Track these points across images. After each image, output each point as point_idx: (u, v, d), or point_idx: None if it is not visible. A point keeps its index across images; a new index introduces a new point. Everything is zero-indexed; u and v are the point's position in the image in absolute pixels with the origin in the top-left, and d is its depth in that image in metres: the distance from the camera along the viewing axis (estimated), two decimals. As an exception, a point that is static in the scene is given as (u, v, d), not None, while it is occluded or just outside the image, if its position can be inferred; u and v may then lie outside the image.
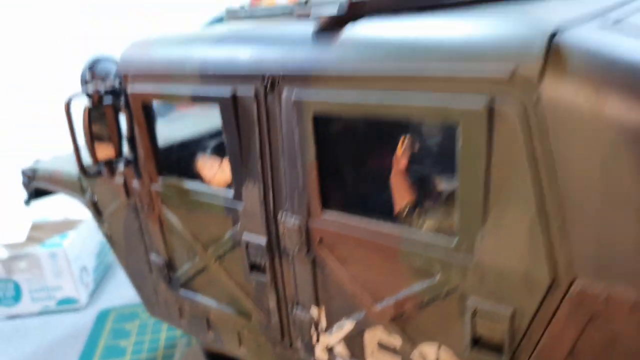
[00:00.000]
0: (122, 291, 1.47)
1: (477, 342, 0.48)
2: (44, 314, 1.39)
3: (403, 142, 0.58)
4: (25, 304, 1.38)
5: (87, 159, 0.70)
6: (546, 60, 0.38)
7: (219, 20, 1.57)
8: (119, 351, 1.18)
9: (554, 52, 0.38)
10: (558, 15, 0.43)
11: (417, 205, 0.54)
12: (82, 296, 1.40)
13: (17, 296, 1.37)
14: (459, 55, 0.42)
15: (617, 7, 0.50)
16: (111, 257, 1.65)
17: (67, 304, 1.39)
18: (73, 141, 0.68)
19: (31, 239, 1.38)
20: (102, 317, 1.34)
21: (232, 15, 0.70)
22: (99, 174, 0.71)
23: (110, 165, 0.70)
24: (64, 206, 1.57)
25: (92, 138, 0.67)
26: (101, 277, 1.55)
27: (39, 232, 1.43)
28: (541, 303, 0.43)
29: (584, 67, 0.37)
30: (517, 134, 0.40)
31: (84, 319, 1.34)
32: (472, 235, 0.45)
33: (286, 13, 0.65)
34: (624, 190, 0.37)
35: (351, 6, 0.50)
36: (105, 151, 0.69)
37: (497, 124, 0.40)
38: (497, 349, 0.47)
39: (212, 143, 0.83)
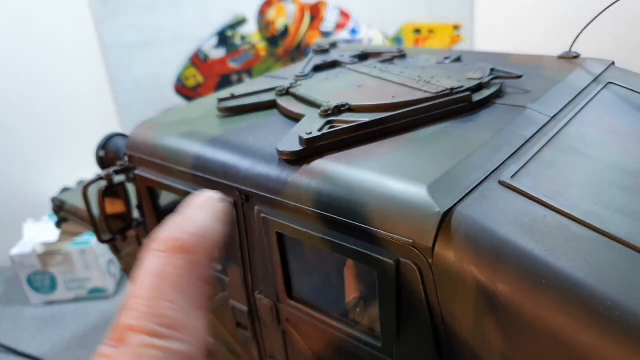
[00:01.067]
0: (144, 279, 1.66)
1: None
2: (77, 301, 1.59)
3: None
4: (61, 293, 1.57)
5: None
6: (437, 235, 0.50)
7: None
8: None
9: (442, 232, 0.50)
10: (461, 178, 0.55)
11: (360, 301, 0.67)
12: (110, 286, 1.59)
13: (53, 285, 1.56)
14: (379, 218, 0.54)
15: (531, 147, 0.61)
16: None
17: (97, 293, 1.58)
18: (91, 218, 0.82)
19: (64, 234, 1.56)
20: (127, 306, 1.52)
21: (223, 105, 0.80)
22: (112, 240, 0.85)
23: (123, 233, 0.84)
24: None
25: (107, 216, 0.81)
26: (126, 265, 1.74)
27: (71, 226, 1.60)
28: None
29: (464, 243, 0.49)
30: (417, 285, 0.52)
31: (113, 306, 1.54)
32: (390, 345, 0.58)
33: (270, 101, 0.76)
34: (488, 339, 0.50)
35: (307, 143, 0.62)
36: (118, 224, 0.82)
37: (403, 273, 0.53)
38: None
39: None
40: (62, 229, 1.58)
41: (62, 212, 1.13)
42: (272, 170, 0.65)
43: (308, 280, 0.73)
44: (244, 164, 0.68)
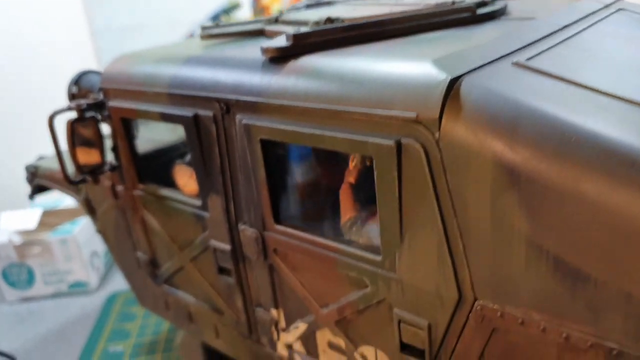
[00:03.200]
0: (130, 275, 1.56)
1: (405, 347, 0.54)
2: (56, 296, 1.48)
3: (353, 158, 0.63)
4: (39, 287, 1.47)
5: (72, 167, 0.76)
6: (444, 106, 0.42)
7: (216, 17, 1.62)
8: (124, 334, 1.27)
9: (450, 100, 0.42)
10: (470, 56, 0.47)
11: (357, 220, 0.58)
12: (93, 280, 1.48)
13: (30, 279, 1.46)
14: (375, 97, 0.46)
15: (544, 37, 0.54)
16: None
17: (78, 287, 1.48)
18: (57, 153, 0.74)
19: (44, 225, 1.47)
20: (110, 301, 1.42)
21: (206, 32, 0.74)
22: (83, 181, 0.77)
23: (94, 173, 0.76)
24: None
25: (75, 150, 0.73)
26: (113, 261, 1.64)
27: (52, 218, 1.51)
28: (452, 317, 0.48)
29: (474, 113, 0.42)
30: (422, 168, 0.44)
31: (95, 301, 1.43)
32: (392, 253, 0.50)
33: (257, 29, 0.70)
34: (509, 223, 0.41)
35: (295, 39, 0.55)
36: (88, 156, 0.75)
37: (405, 158, 0.45)
38: (421, 354, 0.52)
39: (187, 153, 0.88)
40: (42, 221, 1.50)
41: (36, 178, 1.04)
42: (255, 74, 0.58)
43: (296, 203, 0.65)
44: (225, 73, 0.61)
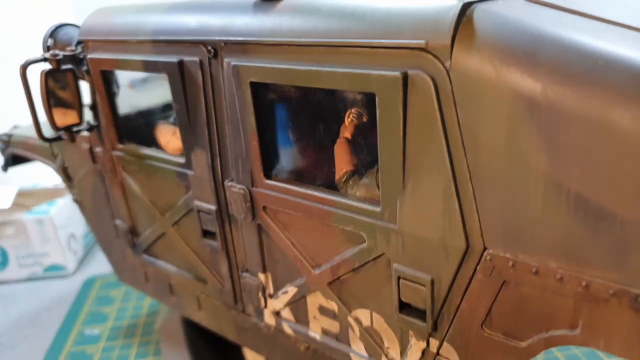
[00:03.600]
0: (109, 259, 1.50)
1: (404, 307, 0.49)
2: (31, 280, 1.42)
3: (350, 114, 0.59)
4: (13, 270, 1.41)
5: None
6: (456, 32, 0.38)
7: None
8: (102, 317, 1.21)
9: (463, 25, 0.38)
10: None
11: (354, 174, 0.54)
12: (70, 263, 1.42)
13: (3, 262, 1.40)
14: (379, 27, 0.42)
15: None
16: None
17: (54, 271, 1.42)
18: (30, 106, 0.69)
19: (19, 206, 1.41)
20: (88, 284, 1.36)
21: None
22: (58, 139, 0.72)
23: (71, 131, 0.71)
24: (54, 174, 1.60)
25: (50, 103, 0.68)
26: (92, 244, 1.58)
27: (27, 199, 1.45)
28: (457, 270, 0.44)
29: (490, 39, 0.38)
30: (430, 102, 0.40)
31: (71, 286, 1.37)
32: (393, 202, 0.45)
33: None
34: (526, 160, 0.37)
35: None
36: (65, 117, 0.70)
37: (411, 91, 0.41)
38: (421, 313, 0.48)
39: (169, 112, 0.83)
40: (17, 202, 1.43)
41: (9, 147, 0.98)
42: (246, 14, 0.53)
43: (288, 157, 0.60)
44: (212, 16, 0.56)
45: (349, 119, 0.58)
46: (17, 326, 1.22)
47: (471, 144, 0.39)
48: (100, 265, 1.46)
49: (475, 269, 0.43)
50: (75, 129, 0.72)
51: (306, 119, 0.60)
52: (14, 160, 1.04)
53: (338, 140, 0.58)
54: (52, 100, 0.69)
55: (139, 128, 0.75)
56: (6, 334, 1.19)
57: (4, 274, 1.41)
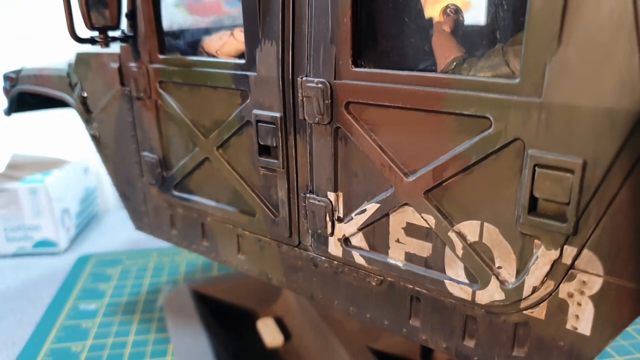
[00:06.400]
0: (106, 239, 1.38)
1: (534, 208, 0.41)
2: (18, 256, 1.29)
3: (445, 9, 0.51)
4: (0, 244, 1.28)
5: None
6: None
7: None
8: (98, 294, 1.09)
9: None
10: None
11: (464, 60, 0.46)
12: (62, 240, 1.30)
13: (-9, 234, 1.27)
14: None
15: None
16: (96, 205, 1.56)
17: (44, 247, 1.29)
18: (65, 2, 0.60)
19: (10, 177, 1.29)
20: (81, 262, 1.24)
21: None
22: (92, 41, 0.63)
23: (106, 33, 0.62)
24: (49, 147, 1.48)
25: (88, 1, 0.59)
26: (84, 224, 1.46)
27: (20, 171, 1.34)
28: (622, 147, 0.35)
29: None
30: None
31: (63, 263, 1.25)
32: (539, 69, 0.37)
33: None
34: None
35: None
36: (101, 17, 0.60)
37: None
38: (558, 214, 0.39)
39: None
40: (9, 173, 1.32)
41: (16, 86, 0.88)
42: None
43: (382, 38, 0.51)
44: None
45: (444, 14, 0.50)
46: (3, 299, 1.10)
47: None
48: (94, 244, 1.35)
49: None
50: (110, 33, 0.62)
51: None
52: (18, 103, 0.93)
53: (435, 35, 0.49)
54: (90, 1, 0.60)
55: (183, 39, 0.66)
56: (-9, 306, 1.07)
57: (-10, 247, 1.28)
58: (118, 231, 1.43)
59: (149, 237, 1.37)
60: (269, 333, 0.88)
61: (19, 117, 0.99)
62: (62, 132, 1.55)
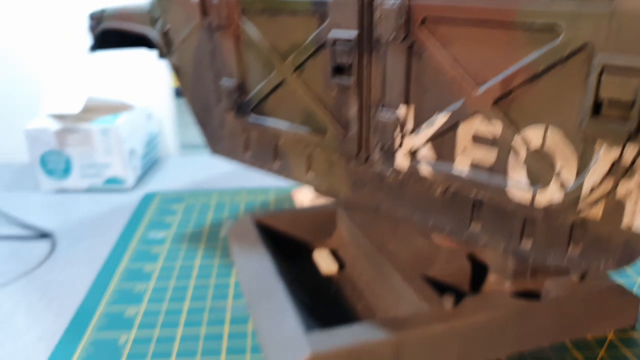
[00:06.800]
0: (168, 181, 1.47)
1: (597, 110, 0.44)
2: (90, 191, 1.39)
3: None
4: (74, 179, 1.38)
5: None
6: None
7: None
8: (165, 225, 1.18)
9: None
10: None
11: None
12: (130, 178, 1.40)
13: (66, 170, 1.37)
14: None
15: None
16: (158, 150, 1.64)
17: (113, 184, 1.39)
18: None
19: (83, 119, 1.38)
20: (148, 198, 1.33)
21: None
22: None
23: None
24: (117, 92, 1.57)
25: None
26: (149, 166, 1.55)
27: (92, 113, 1.42)
28: None
29: None
30: None
31: (130, 199, 1.34)
32: None
33: None
34: None
35: None
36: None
37: None
38: (622, 114, 0.43)
39: None
40: (83, 116, 1.40)
41: (100, 24, 0.95)
42: None
43: None
44: None
45: None
46: (80, 226, 1.19)
47: None
48: (157, 185, 1.43)
49: None
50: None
51: None
52: (102, 40, 1.00)
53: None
54: None
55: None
56: (70, 232, 1.17)
57: (67, 182, 1.39)
58: (180, 174, 1.52)
59: (209, 180, 1.46)
60: (325, 262, 0.94)
61: (97, 58, 1.06)
62: (130, 79, 1.64)
